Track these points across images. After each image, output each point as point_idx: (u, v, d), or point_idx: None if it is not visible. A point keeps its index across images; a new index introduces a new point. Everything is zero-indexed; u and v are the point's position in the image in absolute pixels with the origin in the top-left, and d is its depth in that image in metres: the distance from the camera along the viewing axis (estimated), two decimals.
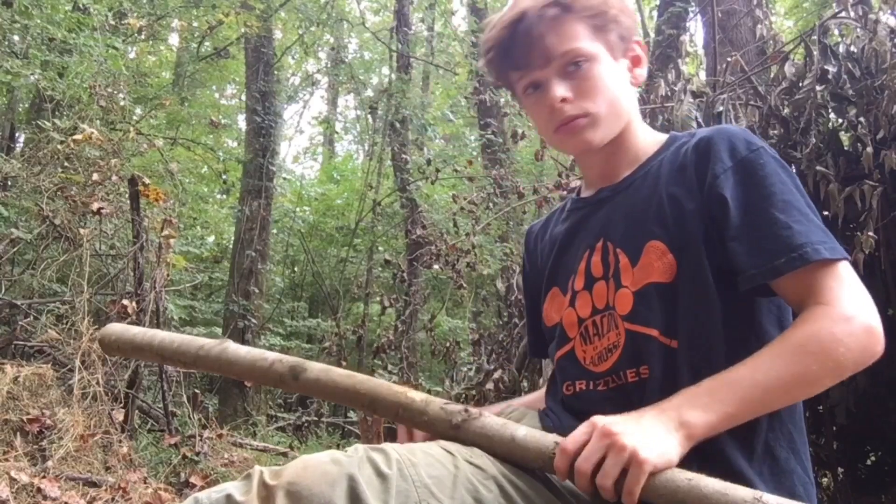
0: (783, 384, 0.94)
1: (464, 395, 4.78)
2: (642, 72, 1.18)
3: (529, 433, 0.98)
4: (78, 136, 4.38)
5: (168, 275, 4.42)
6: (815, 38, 2.67)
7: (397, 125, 8.34)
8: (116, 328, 1.34)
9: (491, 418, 1.01)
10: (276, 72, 9.47)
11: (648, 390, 1.05)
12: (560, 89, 1.10)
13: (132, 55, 8.05)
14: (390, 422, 1.17)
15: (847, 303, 0.97)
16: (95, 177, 4.41)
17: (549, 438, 0.96)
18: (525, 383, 3.33)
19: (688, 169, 1.07)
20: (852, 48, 2.67)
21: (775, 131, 2.68)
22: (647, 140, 1.19)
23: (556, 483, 1.01)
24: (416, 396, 1.04)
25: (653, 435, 0.90)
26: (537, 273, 1.33)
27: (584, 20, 1.10)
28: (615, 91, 1.13)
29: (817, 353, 0.94)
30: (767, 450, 1.02)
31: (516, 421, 1.22)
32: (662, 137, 1.19)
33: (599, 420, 0.92)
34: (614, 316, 1.10)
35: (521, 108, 1.23)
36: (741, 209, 1.01)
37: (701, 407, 0.94)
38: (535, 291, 1.33)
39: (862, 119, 2.50)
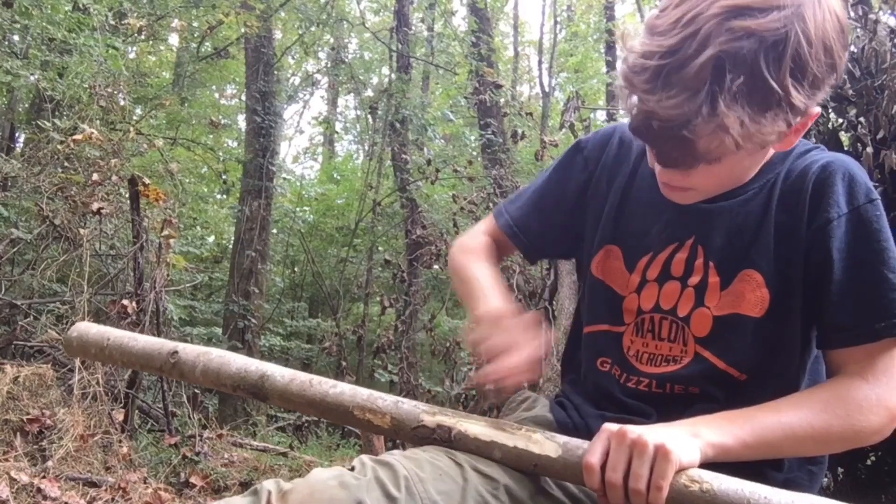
0: (801, 431, 0.94)
1: (464, 395, 4.79)
2: (795, 139, 0.98)
3: (505, 455, 0.96)
4: (78, 136, 4.37)
5: (168, 275, 4.41)
6: None
7: (397, 125, 8.33)
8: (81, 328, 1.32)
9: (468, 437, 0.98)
10: (276, 72, 9.47)
11: (690, 405, 1.03)
12: (668, 173, 0.98)
13: (132, 55, 8.05)
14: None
15: (886, 382, 0.97)
16: (95, 177, 4.40)
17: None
18: (524, 383, 3.32)
19: (801, 196, 1.01)
20: (852, 48, 2.67)
21: None
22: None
23: (570, 487, 1.01)
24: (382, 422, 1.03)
25: (673, 434, 0.89)
26: (599, 189, 1.17)
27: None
28: (738, 174, 1.02)
29: (842, 416, 0.94)
30: (787, 484, 1.02)
31: (527, 409, 1.21)
32: None
33: (612, 426, 0.90)
34: (685, 332, 1.05)
35: None
36: (849, 263, 0.97)
37: (716, 427, 0.93)
38: (573, 202, 1.20)
39: (862, 119, 2.50)
